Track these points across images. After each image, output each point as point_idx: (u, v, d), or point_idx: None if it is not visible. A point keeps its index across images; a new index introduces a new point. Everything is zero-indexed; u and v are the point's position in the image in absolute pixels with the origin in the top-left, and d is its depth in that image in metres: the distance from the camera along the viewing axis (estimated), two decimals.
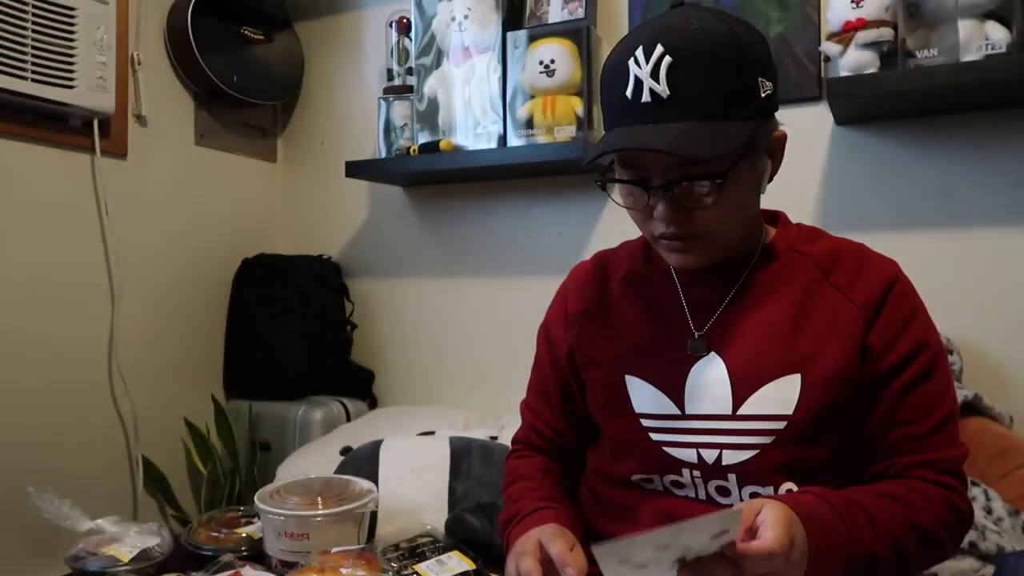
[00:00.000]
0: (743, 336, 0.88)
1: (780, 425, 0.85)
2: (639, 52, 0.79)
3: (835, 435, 0.87)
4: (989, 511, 1.28)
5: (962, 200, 1.57)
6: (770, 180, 0.90)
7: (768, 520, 0.69)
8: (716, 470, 0.87)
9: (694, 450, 0.88)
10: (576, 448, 1.05)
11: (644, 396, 0.92)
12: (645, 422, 0.92)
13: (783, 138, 0.88)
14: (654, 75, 0.78)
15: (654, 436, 0.91)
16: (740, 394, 0.86)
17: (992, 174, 1.54)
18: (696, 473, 0.89)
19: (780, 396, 0.85)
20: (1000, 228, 1.54)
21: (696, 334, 0.91)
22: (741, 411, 0.86)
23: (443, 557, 1.06)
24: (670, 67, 0.77)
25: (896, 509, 0.81)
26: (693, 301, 0.93)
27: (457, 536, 1.24)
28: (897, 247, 1.60)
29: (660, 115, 0.78)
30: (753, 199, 0.89)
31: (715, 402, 0.88)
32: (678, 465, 0.90)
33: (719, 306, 0.91)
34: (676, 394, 0.90)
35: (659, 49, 0.78)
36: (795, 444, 0.85)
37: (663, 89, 0.78)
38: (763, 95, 0.82)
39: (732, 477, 0.87)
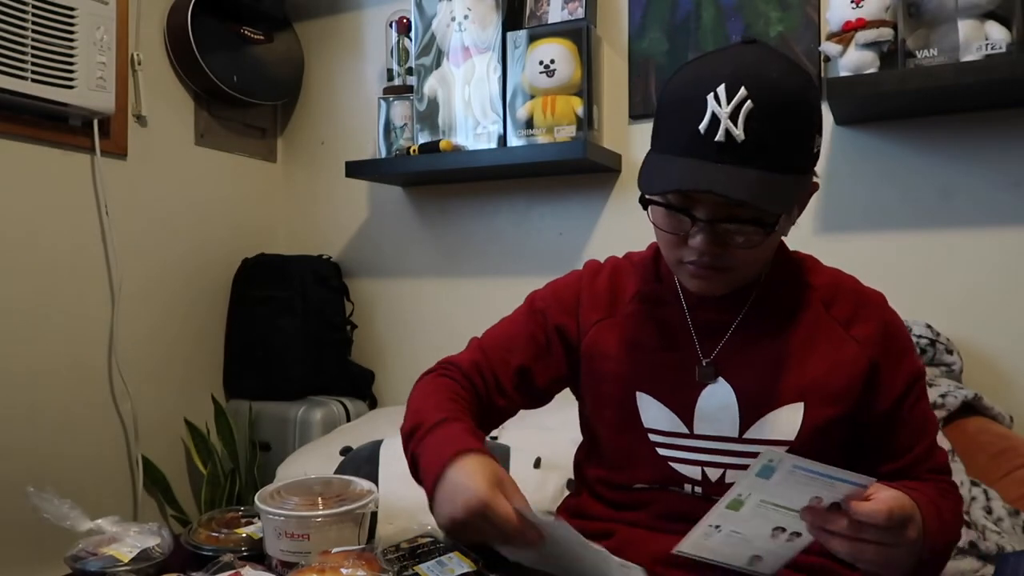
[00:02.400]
0: (750, 364, 0.92)
1: (782, 449, 0.88)
2: (721, 90, 0.79)
3: (833, 458, 0.90)
4: (989, 511, 1.28)
5: (962, 200, 1.57)
6: (792, 224, 0.92)
7: (881, 492, 0.74)
8: (718, 487, 0.91)
9: (699, 468, 0.92)
10: (502, 409, 1.02)
11: (654, 413, 0.95)
12: (653, 437, 0.95)
13: (816, 189, 0.91)
14: (733, 117, 0.78)
15: (661, 451, 0.94)
16: (747, 419, 0.91)
17: (992, 174, 1.54)
18: (698, 489, 0.93)
19: (784, 422, 0.90)
20: (1000, 228, 1.54)
21: (704, 361, 0.94)
22: (747, 435, 0.91)
23: (443, 558, 1.05)
24: (750, 112, 0.78)
25: (946, 506, 0.88)
26: (700, 325, 0.95)
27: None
28: (897, 247, 1.62)
29: (730, 157, 0.79)
30: (779, 241, 0.93)
31: (723, 425, 0.91)
32: (681, 480, 0.93)
33: (726, 331, 0.94)
34: (686, 415, 0.93)
35: (743, 92, 0.78)
36: None
37: (739, 133, 0.78)
38: (815, 150, 0.86)
39: None
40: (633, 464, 0.96)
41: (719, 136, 0.79)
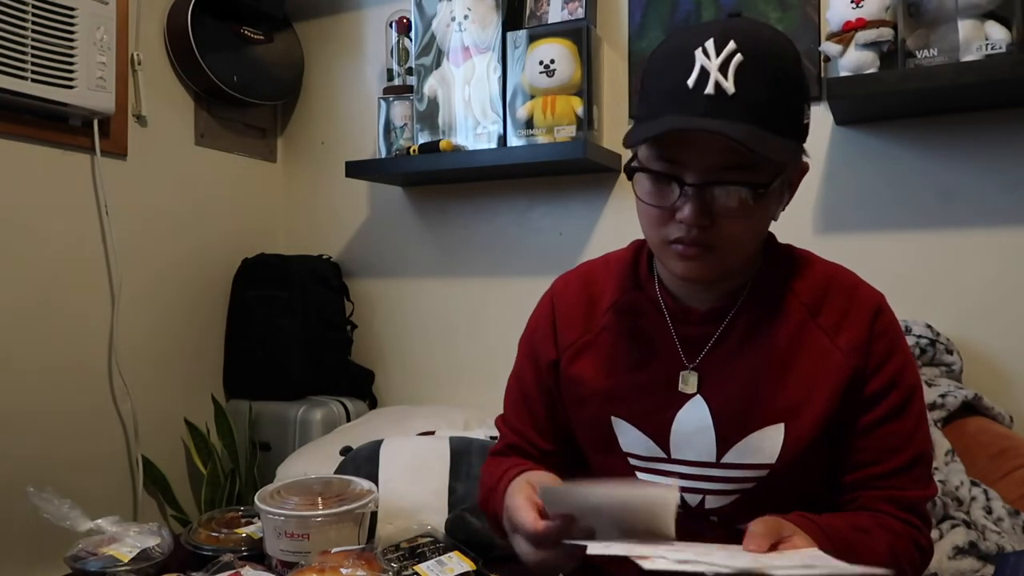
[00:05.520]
0: (729, 382, 0.88)
1: (762, 473, 0.86)
2: (710, 44, 0.77)
3: (815, 475, 0.89)
4: (989, 511, 1.28)
5: (962, 200, 1.57)
6: (782, 209, 0.88)
7: (796, 535, 0.72)
8: (698, 513, 0.88)
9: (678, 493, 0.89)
10: (560, 466, 1.00)
11: (631, 438, 0.92)
12: (632, 461, 0.92)
13: (805, 170, 0.88)
14: (723, 69, 0.76)
15: (641, 475, 0.92)
16: (724, 443, 0.87)
17: (992, 174, 1.54)
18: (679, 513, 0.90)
19: (763, 446, 0.86)
20: (1000, 228, 1.54)
21: (689, 366, 0.90)
22: (725, 459, 0.87)
23: (443, 557, 1.06)
24: (739, 65, 0.76)
25: (869, 542, 0.82)
26: (683, 336, 0.91)
27: (457, 536, 1.24)
28: (897, 247, 1.62)
29: (720, 110, 0.76)
30: (768, 223, 0.88)
31: (700, 450, 0.88)
32: None
33: (707, 342, 0.90)
34: (662, 439, 0.90)
35: (731, 45, 0.76)
36: (776, 488, 0.86)
37: (729, 86, 0.76)
38: (805, 120, 0.83)
39: (713, 519, 0.89)
40: None
41: (709, 88, 0.76)
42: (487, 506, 0.99)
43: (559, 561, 0.78)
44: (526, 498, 0.80)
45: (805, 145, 0.85)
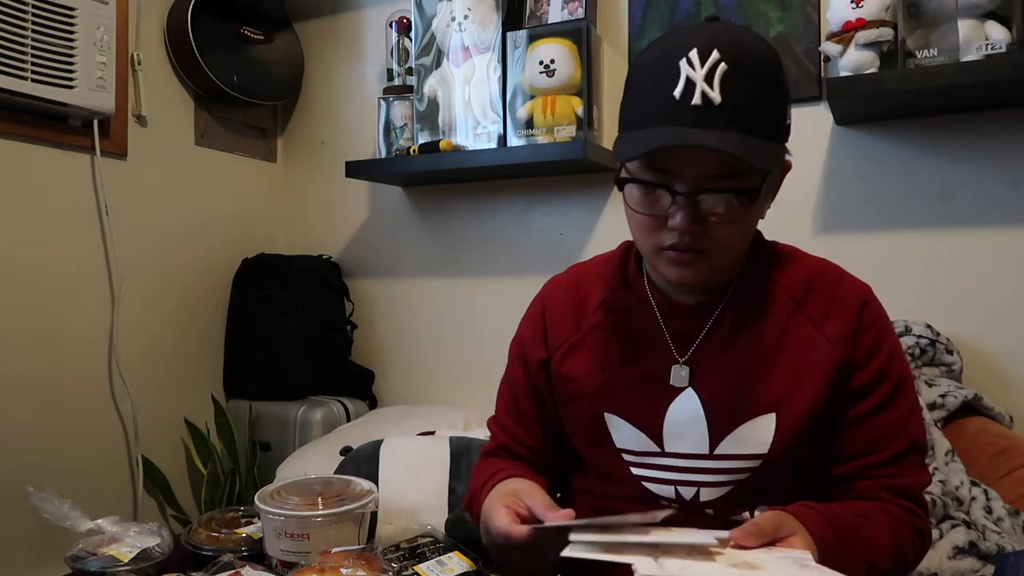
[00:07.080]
0: (719, 374, 0.89)
1: (756, 463, 0.87)
2: (694, 54, 0.77)
3: (808, 465, 0.90)
4: (989, 511, 1.28)
5: (962, 200, 1.57)
6: (768, 207, 0.90)
7: (796, 535, 0.75)
8: (693, 506, 0.89)
9: (672, 487, 0.90)
10: (550, 465, 1.03)
11: (624, 434, 0.93)
12: (626, 456, 0.93)
13: (788, 168, 0.89)
14: (708, 79, 0.77)
15: (635, 471, 0.93)
16: (716, 435, 0.88)
17: (992, 174, 1.54)
18: (674, 507, 0.90)
19: (755, 436, 0.87)
20: (1000, 228, 1.54)
21: (680, 360, 0.91)
22: (718, 451, 0.88)
23: (443, 557, 1.05)
24: (724, 74, 0.77)
25: (870, 526, 0.83)
26: (673, 331, 0.92)
27: (457, 536, 1.24)
28: (897, 247, 1.62)
29: (708, 121, 0.77)
30: (756, 223, 0.89)
31: (692, 442, 0.89)
32: (656, 499, 0.91)
33: (697, 336, 0.91)
34: (655, 433, 0.91)
35: (715, 55, 0.77)
36: (770, 479, 0.87)
37: (716, 95, 0.77)
38: (788, 121, 0.84)
39: (708, 511, 0.89)
40: (610, 480, 0.95)
41: (695, 99, 0.77)
42: (471, 507, 1.01)
43: (534, 563, 0.80)
44: (504, 504, 0.84)
45: (804, 144, 0.87)
